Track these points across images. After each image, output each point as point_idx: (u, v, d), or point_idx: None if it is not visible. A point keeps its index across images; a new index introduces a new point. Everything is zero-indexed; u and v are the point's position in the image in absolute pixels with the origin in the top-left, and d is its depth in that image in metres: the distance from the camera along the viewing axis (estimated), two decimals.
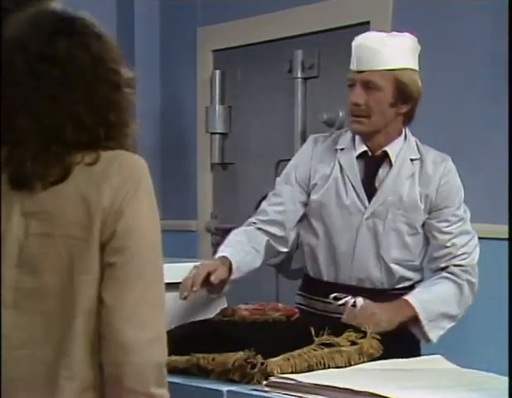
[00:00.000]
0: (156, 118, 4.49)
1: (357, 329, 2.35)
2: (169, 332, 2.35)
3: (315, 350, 2.21)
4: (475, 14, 3.33)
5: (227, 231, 4.30)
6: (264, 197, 4.03)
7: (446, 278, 2.62)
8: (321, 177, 2.69)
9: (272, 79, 4.08)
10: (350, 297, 2.57)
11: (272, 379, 2.10)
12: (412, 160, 2.65)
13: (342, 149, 2.69)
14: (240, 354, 2.13)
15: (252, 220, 2.79)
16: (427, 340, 2.58)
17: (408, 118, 2.67)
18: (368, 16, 3.61)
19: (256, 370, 2.10)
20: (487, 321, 3.17)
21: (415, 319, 2.56)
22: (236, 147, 4.26)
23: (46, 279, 1.62)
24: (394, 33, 2.69)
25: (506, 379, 1.88)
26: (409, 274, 2.68)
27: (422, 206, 2.63)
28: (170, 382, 2.17)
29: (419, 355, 2.60)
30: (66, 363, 1.62)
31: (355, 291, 2.62)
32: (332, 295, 2.62)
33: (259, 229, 2.74)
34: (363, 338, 2.31)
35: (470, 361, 2.46)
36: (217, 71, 4.27)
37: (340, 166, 2.67)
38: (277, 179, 2.81)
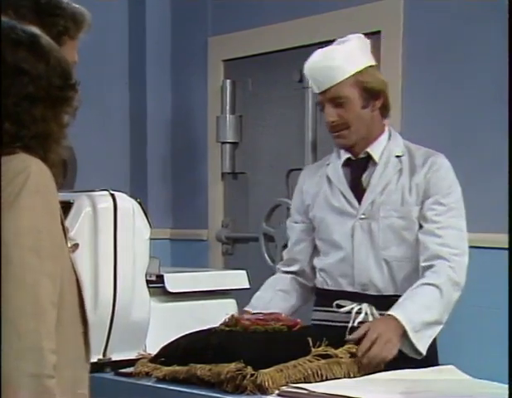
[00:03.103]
0: (167, 127, 4.50)
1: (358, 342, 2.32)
2: (175, 341, 2.37)
3: (310, 361, 2.18)
4: (486, 20, 3.32)
5: (238, 240, 4.34)
6: (275, 207, 4.06)
7: (426, 284, 2.53)
8: (312, 196, 2.76)
9: (282, 88, 4.08)
10: (355, 304, 2.60)
11: (284, 388, 2.10)
12: (398, 157, 2.67)
13: (328, 164, 2.76)
14: (233, 365, 2.11)
15: (277, 266, 2.93)
16: (417, 353, 2.48)
17: (385, 111, 2.70)
18: (379, 25, 3.61)
19: (246, 381, 2.08)
20: (498, 331, 3.15)
21: (402, 333, 2.46)
22: (247, 156, 4.26)
23: None
24: (340, 40, 2.69)
25: None
26: (413, 275, 2.60)
27: (413, 197, 2.61)
28: (172, 390, 2.18)
29: (437, 364, 2.55)
30: None
31: (360, 298, 2.62)
32: (335, 302, 2.64)
33: (283, 271, 2.86)
34: None
35: (482, 371, 2.44)
36: (228, 81, 4.27)
37: (328, 178, 2.73)
38: (287, 221, 2.91)
